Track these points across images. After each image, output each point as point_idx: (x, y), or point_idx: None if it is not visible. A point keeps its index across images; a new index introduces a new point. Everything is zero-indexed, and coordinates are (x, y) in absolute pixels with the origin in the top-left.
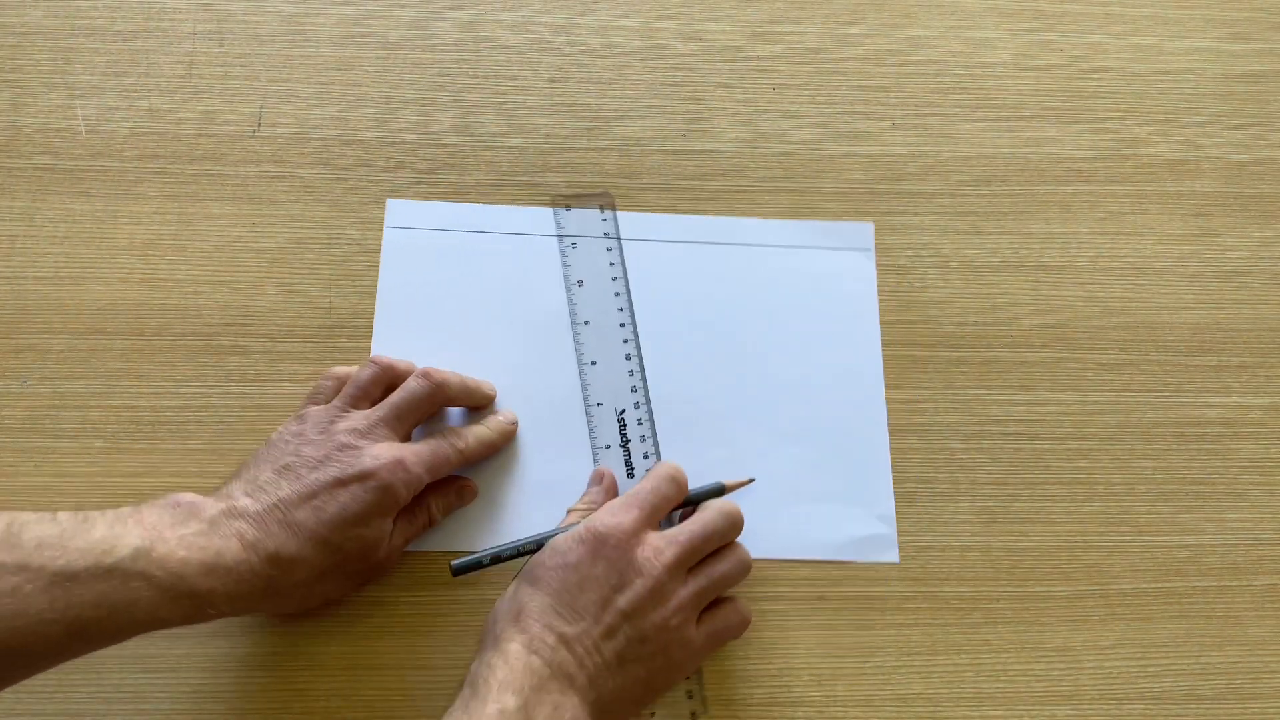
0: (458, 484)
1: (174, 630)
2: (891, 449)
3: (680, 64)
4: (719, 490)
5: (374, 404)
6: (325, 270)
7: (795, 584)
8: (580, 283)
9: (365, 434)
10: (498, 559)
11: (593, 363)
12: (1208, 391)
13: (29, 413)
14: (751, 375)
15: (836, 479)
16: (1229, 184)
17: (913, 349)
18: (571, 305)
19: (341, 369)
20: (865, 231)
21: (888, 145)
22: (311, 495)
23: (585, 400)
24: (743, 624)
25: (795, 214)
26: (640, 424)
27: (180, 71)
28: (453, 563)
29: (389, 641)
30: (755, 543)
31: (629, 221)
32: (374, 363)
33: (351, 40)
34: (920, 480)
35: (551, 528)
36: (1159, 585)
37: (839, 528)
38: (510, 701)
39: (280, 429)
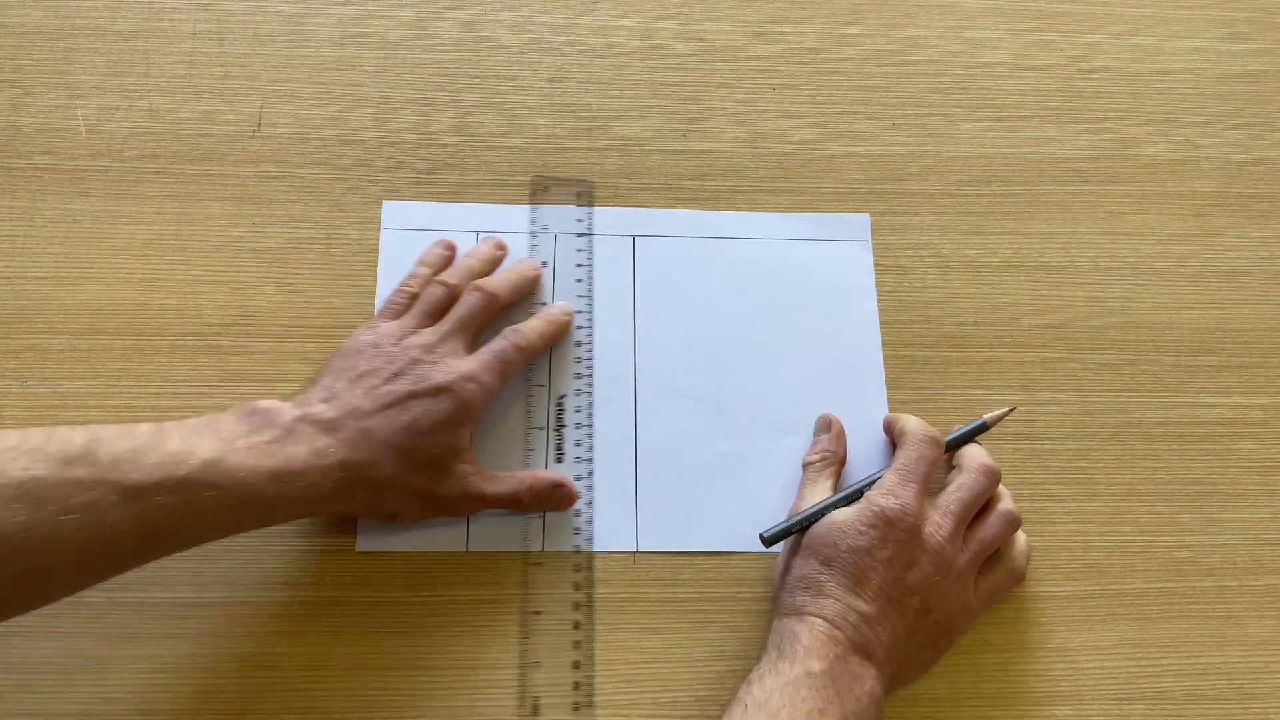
0: (559, 490)
1: (174, 630)
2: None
3: (680, 64)
4: (982, 427)
5: (440, 320)
6: (326, 270)
7: None
8: (545, 264)
9: (434, 348)
10: (804, 527)
11: None
12: (1208, 392)
13: (29, 413)
14: (750, 368)
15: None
16: (1229, 184)
17: (913, 349)
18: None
19: (411, 286)
20: (862, 222)
21: (888, 145)
22: (387, 405)
23: (528, 380)
24: (1015, 581)
25: (795, 213)
26: (579, 411)
27: (180, 71)
28: (763, 534)
29: (391, 641)
30: (756, 539)
31: (623, 216)
32: (441, 283)
33: (351, 40)
34: None
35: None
36: (1159, 585)
37: None
38: (816, 665)
39: (352, 338)
